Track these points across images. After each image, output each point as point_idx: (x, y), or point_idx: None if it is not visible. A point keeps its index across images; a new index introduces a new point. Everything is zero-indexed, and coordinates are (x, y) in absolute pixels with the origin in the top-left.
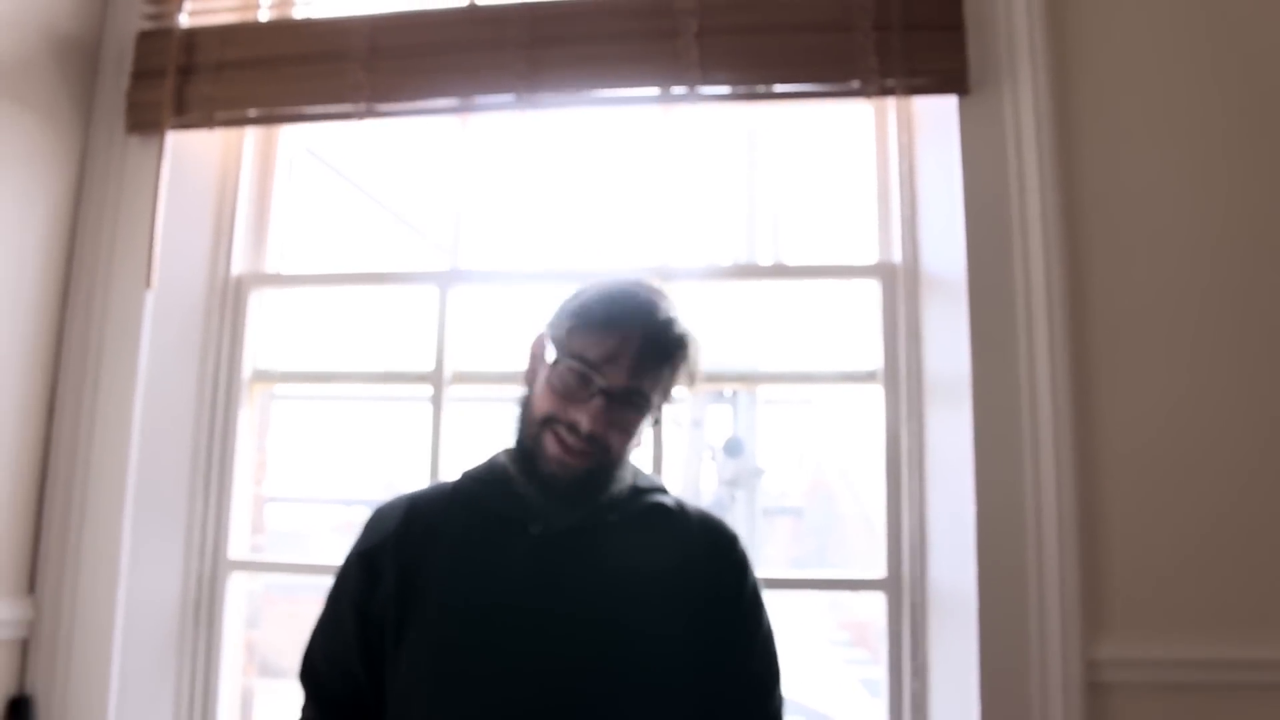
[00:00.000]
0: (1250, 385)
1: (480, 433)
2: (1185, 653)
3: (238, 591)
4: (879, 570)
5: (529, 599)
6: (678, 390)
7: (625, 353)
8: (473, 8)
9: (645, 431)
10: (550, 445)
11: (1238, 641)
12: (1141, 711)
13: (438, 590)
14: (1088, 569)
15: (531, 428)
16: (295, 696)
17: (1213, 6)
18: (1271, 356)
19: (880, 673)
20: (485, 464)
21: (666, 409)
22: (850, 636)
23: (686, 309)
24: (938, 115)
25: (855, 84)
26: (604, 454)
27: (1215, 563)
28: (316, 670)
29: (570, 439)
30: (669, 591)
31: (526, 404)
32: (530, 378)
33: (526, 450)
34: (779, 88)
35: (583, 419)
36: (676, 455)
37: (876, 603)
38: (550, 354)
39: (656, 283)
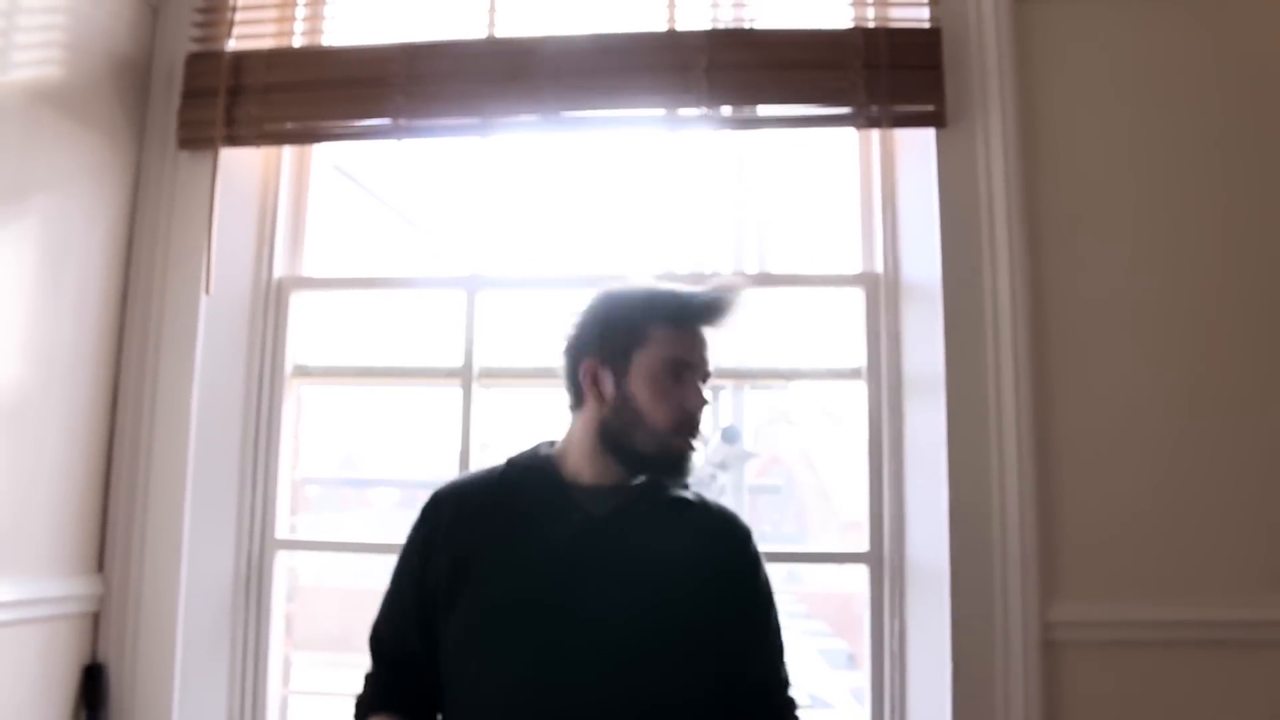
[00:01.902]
0: (1189, 380)
1: (507, 421)
2: (1128, 614)
3: (282, 568)
4: (862, 545)
5: (570, 577)
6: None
7: (706, 343)
8: (502, 40)
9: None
10: (681, 442)
11: (1174, 604)
12: (1090, 666)
13: (488, 570)
14: (1044, 542)
15: (660, 435)
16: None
17: (1160, 53)
18: (1208, 356)
19: (840, 644)
20: (529, 453)
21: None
22: (809, 609)
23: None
24: (917, 144)
25: (845, 114)
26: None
27: (1155, 536)
28: (381, 637)
29: (694, 429)
30: (693, 573)
31: (634, 415)
32: (619, 396)
33: (648, 455)
34: (777, 116)
35: (696, 405)
36: None
37: (851, 575)
38: (639, 359)
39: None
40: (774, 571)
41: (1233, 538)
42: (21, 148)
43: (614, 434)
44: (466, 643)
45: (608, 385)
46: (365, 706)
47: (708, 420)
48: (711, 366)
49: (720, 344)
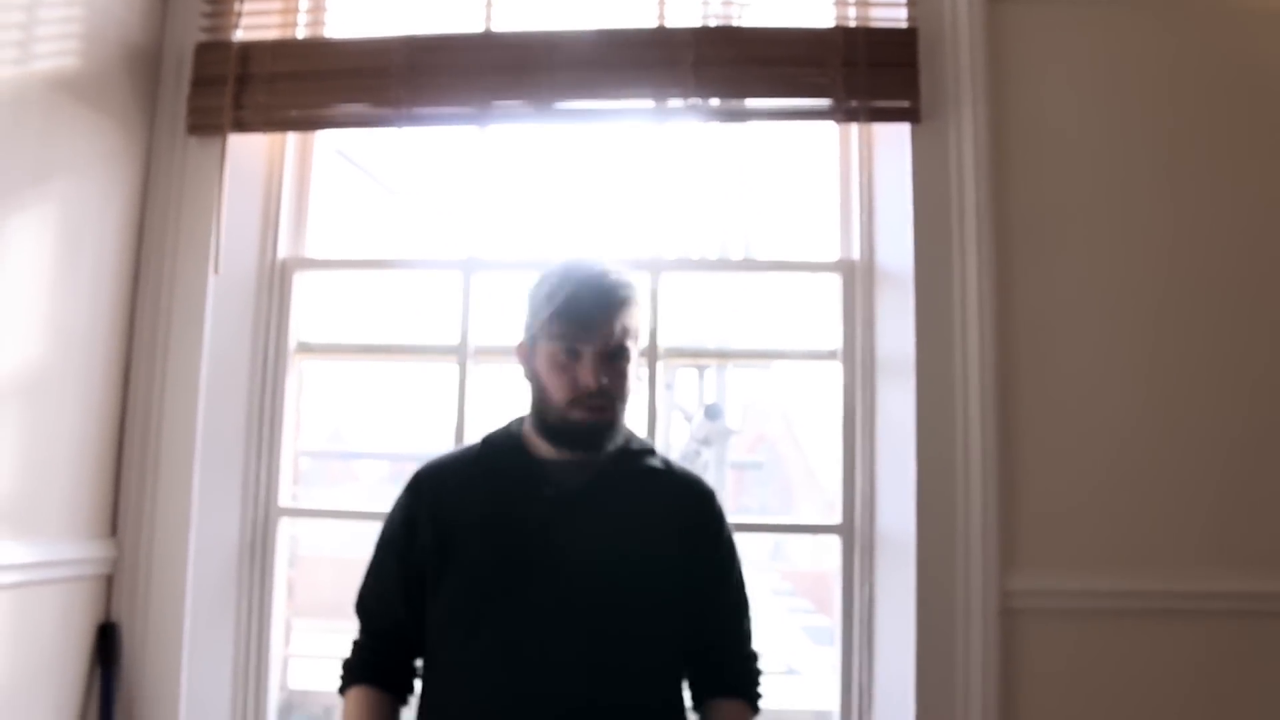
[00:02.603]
0: (1145, 365)
1: (496, 396)
2: (1082, 584)
3: (285, 534)
4: (835, 517)
5: (547, 546)
6: (640, 328)
7: (590, 321)
8: (498, 34)
9: (636, 375)
10: (578, 414)
11: (1125, 575)
12: (1045, 632)
13: (470, 543)
14: (1005, 516)
15: (559, 408)
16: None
17: (1127, 55)
18: (1164, 343)
19: (822, 620)
20: (503, 431)
21: (640, 352)
22: (794, 586)
23: (629, 272)
24: (893, 138)
25: (825, 108)
26: (615, 402)
27: (1109, 511)
28: (367, 607)
29: (591, 401)
30: (661, 535)
31: (541, 392)
32: (532, 374)
33: (559, 425)
34: (761, 109)
35: (590, 380)
36: (658, 415)
37: (828, 547)
38: (541, 344)
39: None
40: (758, 547)
41: (1182, 513)
42: (42, 135)
43: (534, 410)
44: (451, 614)
45: (527, 365)
46: (351, 673)
47: (635, 392)
48: (617, 342)
49: (615, 316)
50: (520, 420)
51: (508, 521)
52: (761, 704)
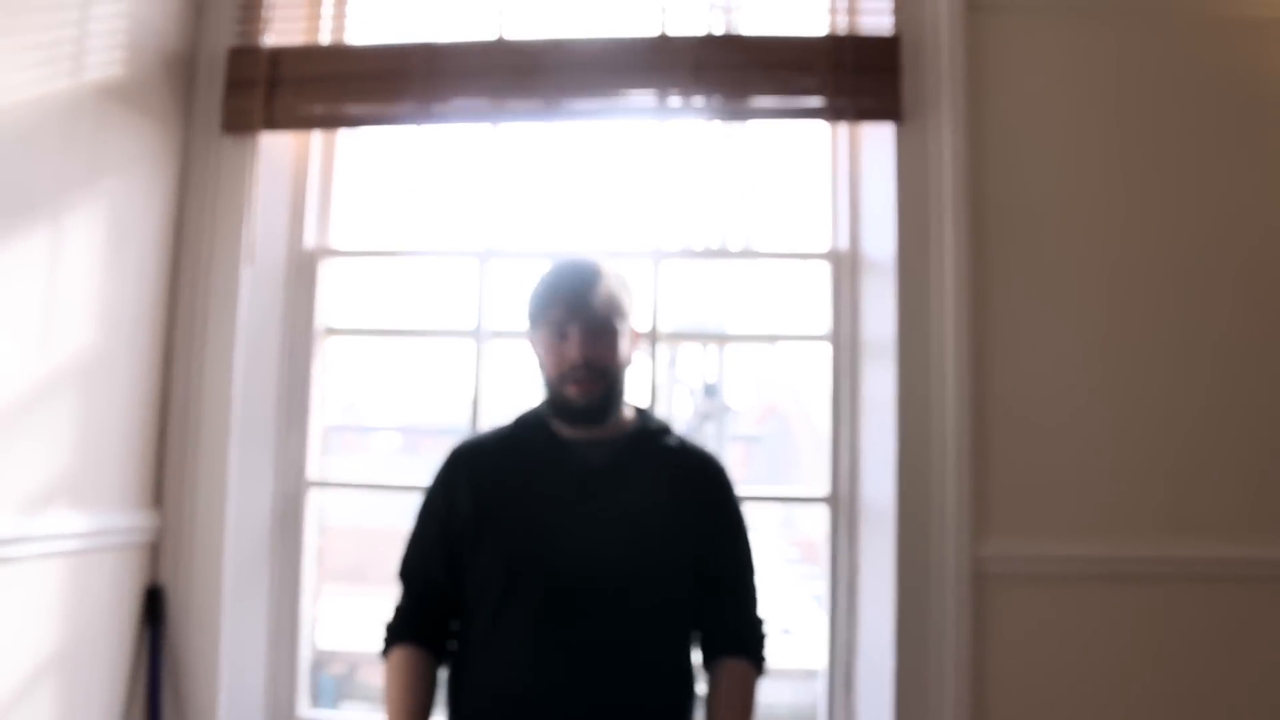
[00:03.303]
0: (1109, 345)
1: (508, 376)
2: (1049, 550)
3: (313, 505)
4: (824, 489)
5: (571, 518)
6: (629, 304)
7: (567, 305)
8: (510, 42)
9: (633, 347)
10: (571, 390)
11: (1089, 542)
12: (1014, 596)
13: (503, 513)
14: (977, 486)
15: (555, 385)
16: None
17: (1097, 62)
18: (1126, 324)
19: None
20: (533, 413)
21: (635, 325)
22: (801, 554)
23: (614, 263)
24: (878, 137)
25: (815, 107)
26: (606, 375)
27: (1074, 482)
28: (410, 572)
29: (577, 374)
30: (675, 508)
31: (544, 373)
32: (538, 360)
33: (558, 402)
34: (756, 108)
35: (575, 354)
36: (664, 393)
37: (822, 516)
38: (537, 333)
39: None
40: (769, 517)
41: (1143, 483)
42: (92, 139)
43: (544, 389)
44: (485, 579)
45: (535, 353)
46: (394, 634)
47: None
48: (600, 320)
49: (595, 293)
50: (544, 405)
51: (536, 495)
52: (766, 665)
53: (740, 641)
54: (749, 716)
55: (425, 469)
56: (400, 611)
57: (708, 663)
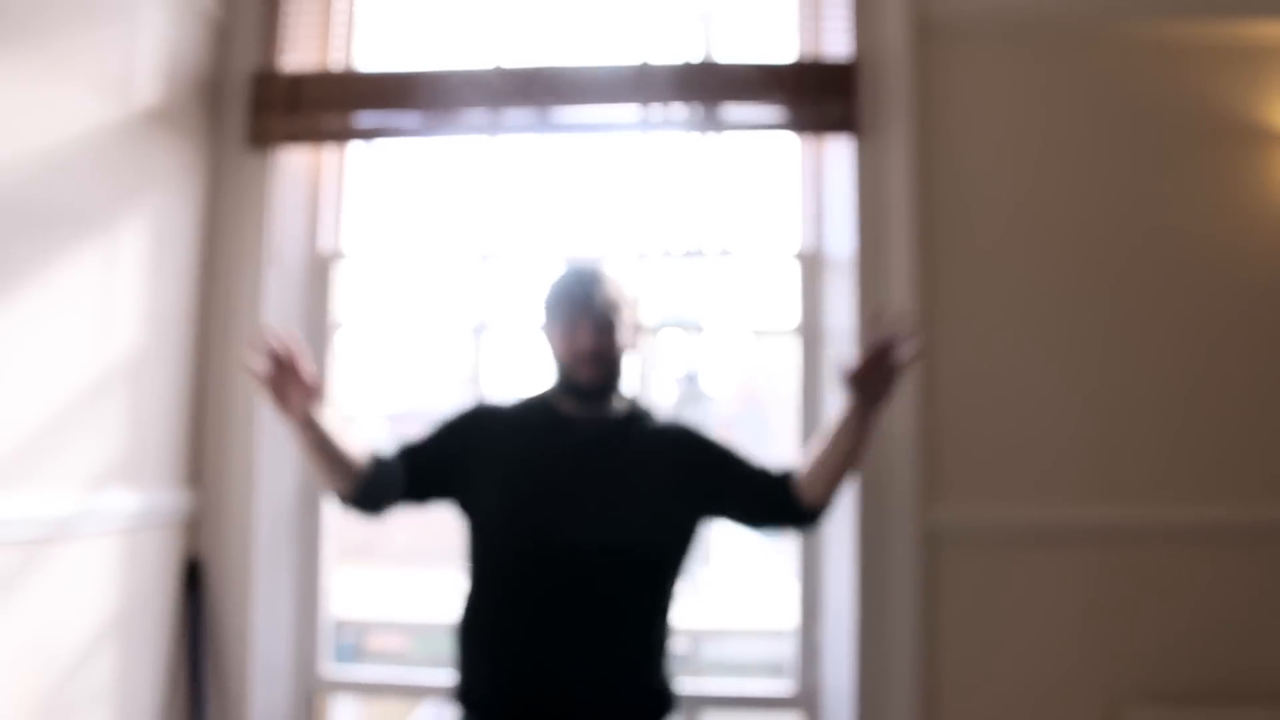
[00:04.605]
0: (1052, 330)
1: (512, 364)
2: (995, 514)
3: None
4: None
5: (567, 481)
6: (628, 301)
7: (578, 302)
8: (507, 70)
9: (632, 337)
10: (583, 372)
11: (1031, 506)
12: (962, 557)
13: (508, 466)
14: (930, 458)
15: (567, 369)
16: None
17: (1037, 86)
18: (1063, 312)
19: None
20: (539, 395)
21: (634, 318)
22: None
23: (611, 266)
24: (840, 149)
25: (783, 122)
26: (610, 360)
27: (1017, 452)
28: (409, 444)
29: (587, 356)
30: (658, 471)
31: (558, 360)
32: (552, 349)
33: (569, 383)
34: (730, 122)
35: (585, 341)
36: (649, 381)
37: None
38: (553, 325)
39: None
40: None
41: (1077, 454)
42: (138, 160)
43: (558, 375)
44: (486, 524)
45: (549, 344)
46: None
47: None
48: (602, 313)
49: (596, 292)
50: (551, 389)
51: (536, 457)
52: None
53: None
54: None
55: None
56: (390, 454)
57: (784, 503)
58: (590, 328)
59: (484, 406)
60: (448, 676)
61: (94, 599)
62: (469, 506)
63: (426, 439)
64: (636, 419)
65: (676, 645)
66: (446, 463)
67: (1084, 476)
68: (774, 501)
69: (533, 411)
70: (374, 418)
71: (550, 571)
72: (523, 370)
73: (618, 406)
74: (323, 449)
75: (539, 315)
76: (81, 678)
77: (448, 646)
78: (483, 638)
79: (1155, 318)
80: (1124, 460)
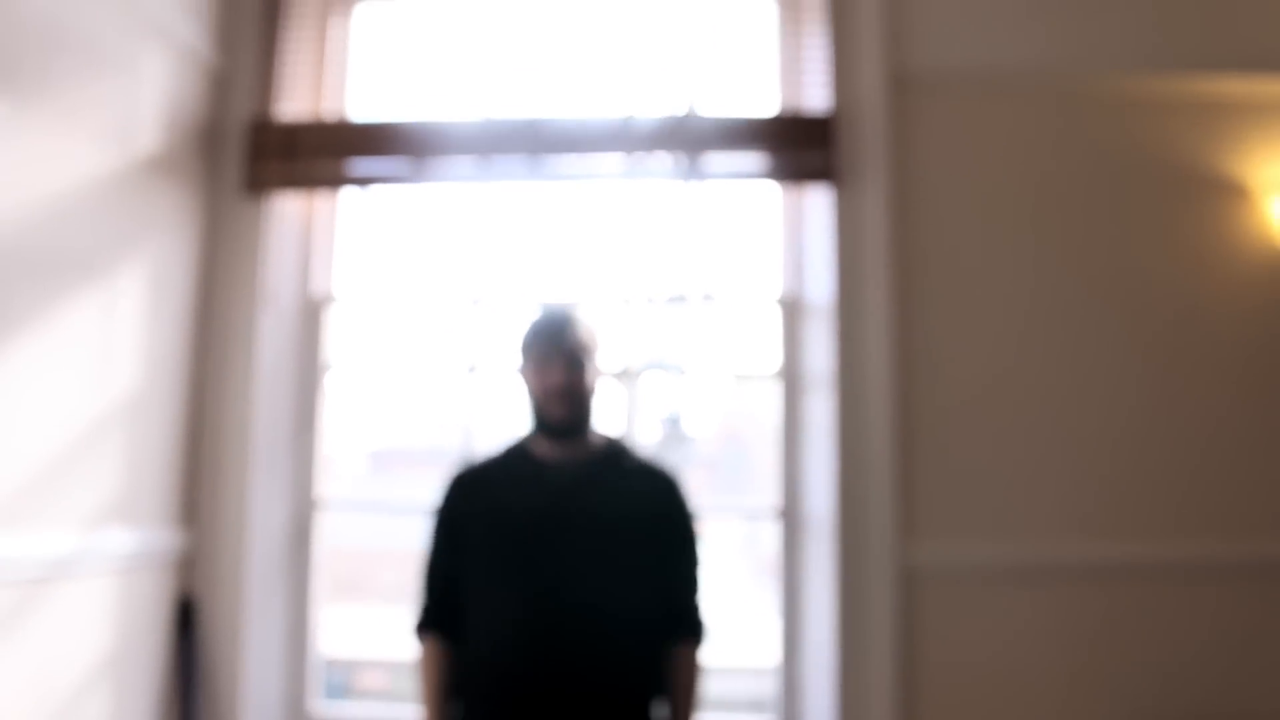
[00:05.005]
0: (1016, 377)
1: (498, 405)
2: (968, 553)
3: (327, 522)
4: (774, 503)
5: (549, 523)
6: (597, 344)
7: (550, 341)
8: (494, 121)
9: (600, 379)
10: (554, 409)
11: (1003, 545)
12: (940, 594)
13: (493, 521)
14: (906, 498)
15: (540, 406)
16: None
17: (1006, 137)
18: (1032, 356)
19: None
20: (517, 442)
21: (602, 362)
22: (759, 567)
23: (582, 311)
24: (819, 198)
25: (764, 171)
26: (580, 397)
27: (989, 495)
28: (431, 572)
29: (560, 396)
30: (636, 514)
31: (531, 398)
32: (526, 389)
33: (541, 420)
34: (714, 172)
35: (557, 382)
36: (629, 421)
37: (774, 530)
38: (526, 365)
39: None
40: (728, 535)
41: (1047, 494)
42: (138, 206)
43: (530, 411)
44: (480, 576)
45: (525, 383)
46: (422, 627)
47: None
48: (571, 354)
49: (567, 336)
50: (528, 433)
51: (519, 506)
52: (707, 636)
53: (682, 624)
54: (696, 690)
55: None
56: (425, 609)
57: (660, 645)
58: (561, 365)
59: (462, 474)
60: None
61: (91, 637)
62: (467, 566)
63: (440, 561)
64: (614, 458)
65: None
66: (460, 555)
67: (1059, 515)
68: (651, 620)
69: (510, 461)
70: (360, 456)
71: (535, 605)
72: (508, 411)
73: (593, 444)
74: None
75: (516, 357)
76: (77, 715)
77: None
78: (480, 667)
79: (1122, 359)
80: (1098, 498)
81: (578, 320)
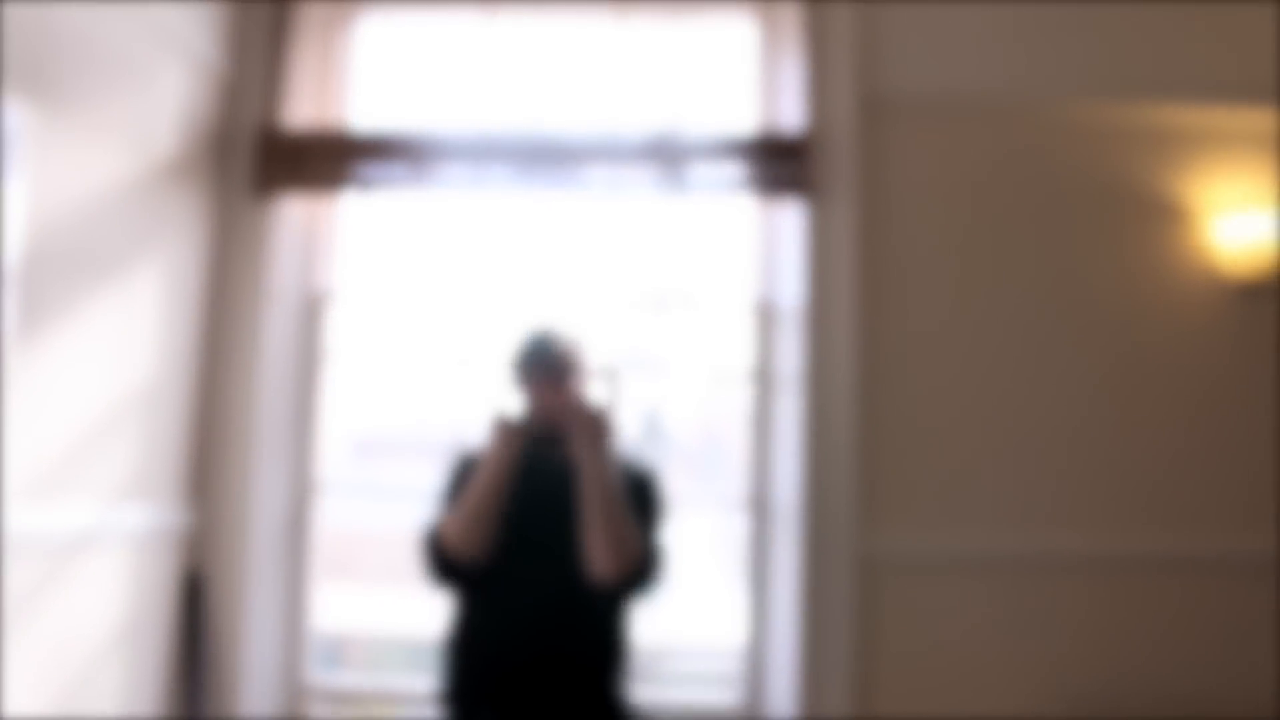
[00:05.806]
0: (975, 378)
1: (487, 398)
2: (927, 543)
3: (322, 505)
4: (744, 496)
5: (536, 509)
6: (582, 361)
7: (542, 356)
8: (492, 135)
9: (586, 389)
10: (544, 424)
11: (961, 536)
12: (899, 582)
13: None
14: (868, 491)
15: (536, 419)
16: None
17: (971, 158)
18: (992, 358)
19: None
20: None
21: (588, 374)
22: (732, 558)
23: (568, 330)
24: (792, 211)
25: (741, 185)
26: (568, 412)
27: (947, 489)
28: (434, 533)
29: (549, 415)
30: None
31: (529, 411)
32: (522, 398)
33: (534, 433)
34: (694, 185)
35: (545, 396)
36: (616, 425)
37: (743, 522)
38: (519, 380)
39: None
40: (705, 523)
41: (1002, 487)
42: (155, 208)
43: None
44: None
45: (518, 392)
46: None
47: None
48: (558, 371)
49: (555, 354)
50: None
51: (513, 493)
52: (656, 568)
53: None
54: (628, 521)
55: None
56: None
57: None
58: (549, 382)
59: (466, 457)
60: (426, 683)
61: (108, 608)
62: None
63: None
64: None
65: (632, 660)
66: None
67: (1013, 509)
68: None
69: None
70: (350, 445)
71: (523, 584)
72: (501, 404)
73: None
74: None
75: (510, 372)
76: (94, 684)
77: (421, 659)
78: (468, 631)
79: (1073, 364)
80: (1049, 494)
81: (562, 340)
